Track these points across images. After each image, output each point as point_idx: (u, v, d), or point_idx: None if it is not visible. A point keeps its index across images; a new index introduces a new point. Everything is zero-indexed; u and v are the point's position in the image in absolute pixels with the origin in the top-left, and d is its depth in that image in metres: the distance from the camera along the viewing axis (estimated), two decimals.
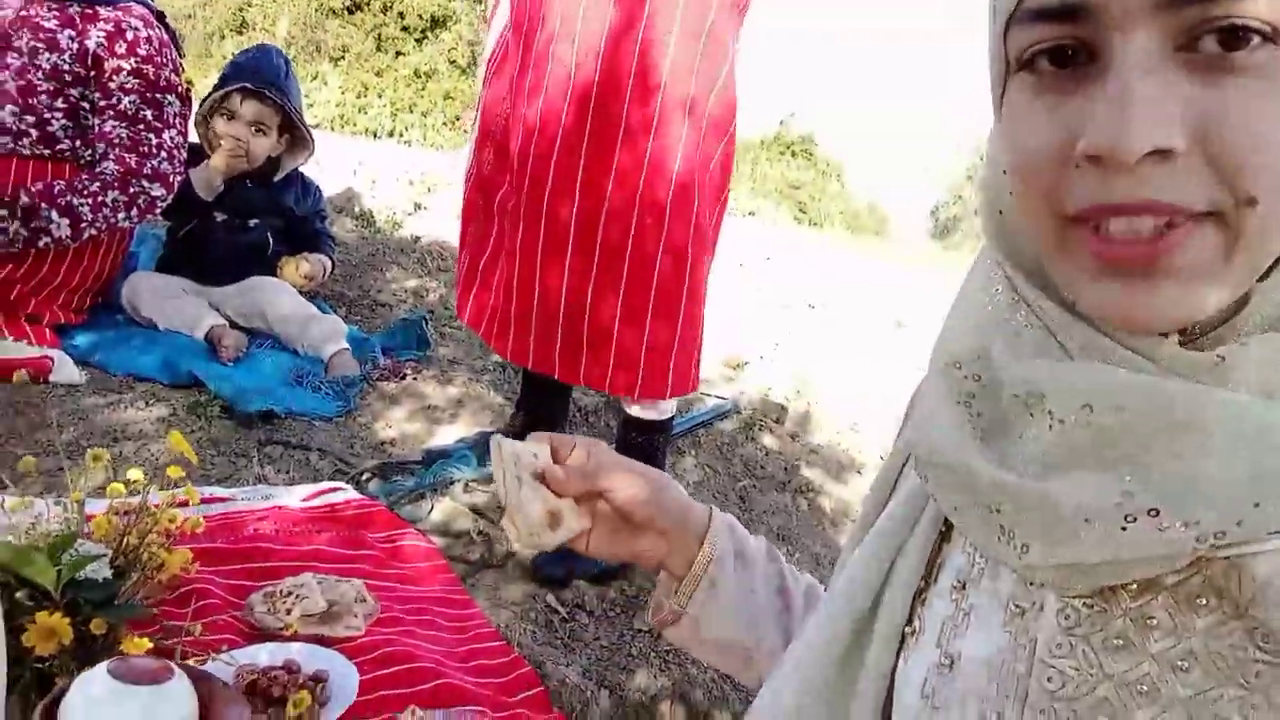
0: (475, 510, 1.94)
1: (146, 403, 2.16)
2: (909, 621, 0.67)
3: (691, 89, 1.74)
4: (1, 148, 2.33)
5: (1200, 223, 0.49)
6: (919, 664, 0.66)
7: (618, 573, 1.83)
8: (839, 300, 3.71)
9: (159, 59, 2.42)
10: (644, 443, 1.93)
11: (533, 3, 1.83)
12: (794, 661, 0.74)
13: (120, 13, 2.41)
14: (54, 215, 2.27)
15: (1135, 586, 0.54)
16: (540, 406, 2.13)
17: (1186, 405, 0.50)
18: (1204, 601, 0.52)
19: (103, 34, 2.38)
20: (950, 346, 0.65)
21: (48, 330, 2.34)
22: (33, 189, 2.28)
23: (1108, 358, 0.53)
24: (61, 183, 2.32)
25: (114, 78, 2.37)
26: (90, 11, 2.40)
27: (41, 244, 2.27)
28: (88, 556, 1.18)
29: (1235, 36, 0.47)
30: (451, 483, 2.01)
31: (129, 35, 2.39)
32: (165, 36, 2.48)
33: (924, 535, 0.69)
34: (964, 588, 0.64)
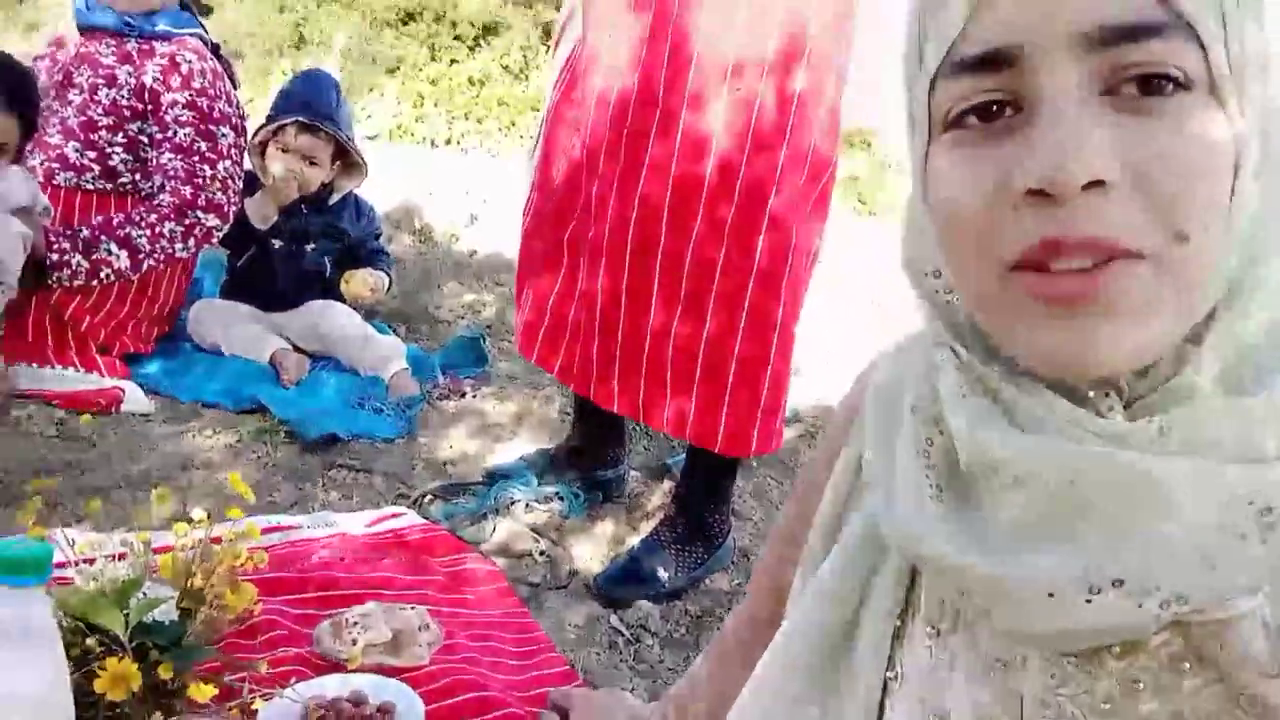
0: (536, 530, 1.94)
1: (214, 430, 2.20)
2: (889, 665, 0.66)
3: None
4: (65, 182, 2.40)
5: (1133, 262, 0.50)
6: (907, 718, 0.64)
7: (681, 593, 1.82)
8: (902, 296, 3.65)
9: (212, 91, 2.45)
10: (714, 465, 1.85)
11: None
12: (756, 701, 0.72)
13: (175, 46, 2.46)
14: (113, 247, 2.32)
15: (1118, 649, 0.54)
16: (597, 424, 2.11)
17: (1140, 475, 0.50)
18: (1188, 665, 0.52)
19: (158, 68, 2.42)
20: (909, 386, 0.65)
21: (117, 361, 2.39)
22: (93, 223, 2.34)
23: (1061, 430, 0.53)
24: (120, 216, 2.37)
25: (169, 111, 2.41)
26: (146, 47, 2.45)
27: (102, 275, 2.32)
28: (155, 600, 1.19)
29: (1151, 83, 0.50)
30: (513, 502, 2.01)
31: (183, 69, 2.43)
32: (219, 68, 2.51)
33: (896, 566, 0.67)
34: (939, 634, 0.63)
